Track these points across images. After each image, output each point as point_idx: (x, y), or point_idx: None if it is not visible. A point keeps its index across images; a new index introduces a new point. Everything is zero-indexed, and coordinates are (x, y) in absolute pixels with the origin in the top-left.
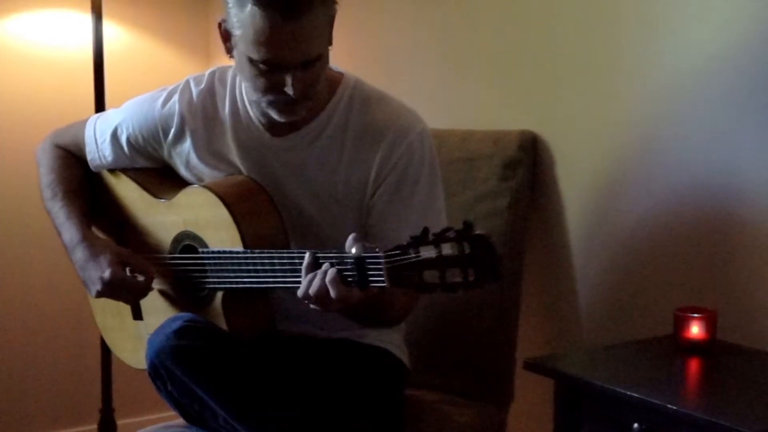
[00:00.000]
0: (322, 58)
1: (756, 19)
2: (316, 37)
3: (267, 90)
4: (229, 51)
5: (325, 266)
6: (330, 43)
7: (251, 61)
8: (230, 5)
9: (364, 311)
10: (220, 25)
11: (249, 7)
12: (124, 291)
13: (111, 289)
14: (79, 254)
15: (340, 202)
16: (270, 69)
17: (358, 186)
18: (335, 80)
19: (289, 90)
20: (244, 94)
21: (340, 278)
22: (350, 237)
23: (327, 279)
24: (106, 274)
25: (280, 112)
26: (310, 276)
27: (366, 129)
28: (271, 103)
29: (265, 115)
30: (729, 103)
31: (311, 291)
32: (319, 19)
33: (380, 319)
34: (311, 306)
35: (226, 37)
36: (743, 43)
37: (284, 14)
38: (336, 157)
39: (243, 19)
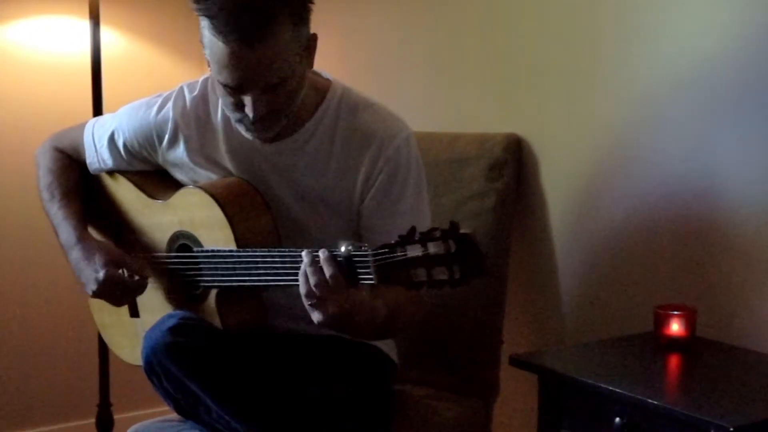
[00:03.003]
0: (288, 82)
1: (733, 26)
2: (276, 63)
3: (234, 109)
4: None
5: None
6: (311, 64)
7: (218, 81)
8: (201, 26)
9: (365, 325)
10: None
11: (209, 32)
12: (119, 290)
13: (106, 289)
14: (75, 255)
15: (329, 206)
16: (233, 91)
17: (346, 190)
18: (323, 88)
19: (249, 112)
20: (237, 127)
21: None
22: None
23: (325, 271)
24: (101, 274)
25: (246, 130)
26: (307, 271)
27: (353, 135)
28: (239, 121)
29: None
30: (707, 107)
31: (311, 283)
32: (284, 44)
33: (380, 333)
34: (312, 306)
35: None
36: (721, 49)
37: (242, 42)
38: (324, 162)
39: (208, 41)
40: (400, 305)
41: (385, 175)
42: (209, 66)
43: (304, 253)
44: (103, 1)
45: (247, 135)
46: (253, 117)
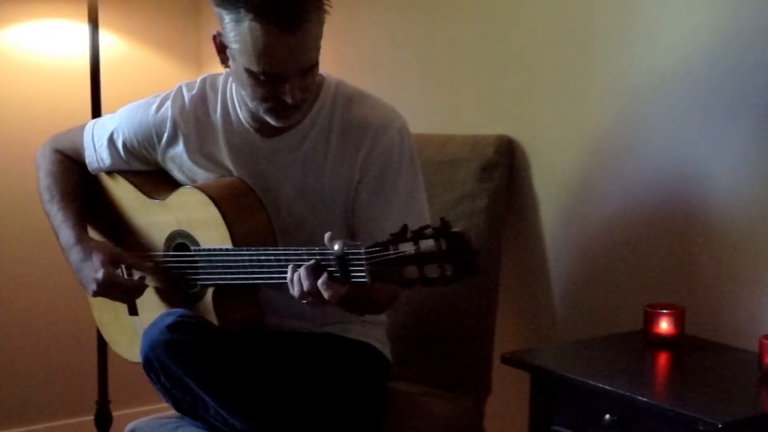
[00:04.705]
0: (316, 66)
1: (719, 29)
2: (312, 46)
3: (267, 98)
4: (224, 62)
5: (309, 264)
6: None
7: (250, 72)
8: (226, 20)
9: (354, 301)
10: (215, 38)
11: (247, 22)
12: (117, 290)
13: (105, 288)
14: (75, 255)
15: (327, 201)
16: (269, 79)
17: (343, 183)
18: (318, 83)
19: (288, 99)
20: (235, 99)
21: (329, 276)
22: (327, 235)
23: (319, 282)
24: (99, 274)
25: (278, 117)
26: (300, 276)
27: (349, 126)
28: (269, 110)
29: (257, 120)
30: (694, 109)
31: (305, 287)
32: (314, 28)
33: (370, 306)
34: (305, 302)
35: (221, 49)
36: (707, 51)
37: (283, 28)
38: (322, 156)
39: (241, 33)
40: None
41: (378, 165)
42: (227, 61)
43: (289, 269)
44: (102, 4)
45: (277, 123)
46: (293, 101)
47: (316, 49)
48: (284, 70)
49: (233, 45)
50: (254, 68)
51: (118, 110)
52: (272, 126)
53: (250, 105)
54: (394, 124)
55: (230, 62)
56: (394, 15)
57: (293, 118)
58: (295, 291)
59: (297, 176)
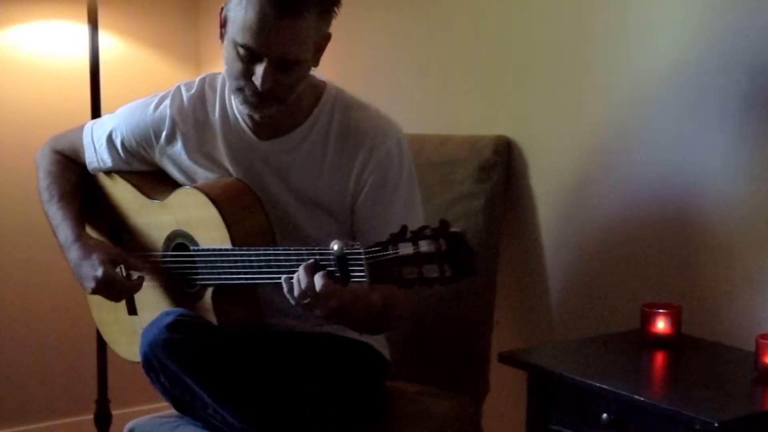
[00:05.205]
0: (301, 65)
1: (718, 29)
2: (299, 42)
3: (239, 76)
4: (222, 36)
5: (307, 263)
6: (316, 63)
7: (234, 44)
8: None
9: (353, 305)
10: (221, 10)
11: None
12: (116, 289)
13: (103, 287)
14: (74, 254)
15: (323, 205)
16: (248, 56)
17: (340, 189)
18: (319, 88)
19: (256, 80)
20: (233, 97)
21: (325, 272)
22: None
23: (317, 276)
24: (99, 272)
25: (244, 101)
26: (299, 275)
27: (347, 134)
28: (239, 90)
29: (254, 119)
30: (691, 110)
31: (303, 285)
32: (308, 27)
33: (367, 318)
34: (305, 306)
35: (223, 22)
36: (706, 52)
37: (277, 9)
38: (319, 161)
39: (239, 3)
40: (395, 297)
41: (376, 175)
42: (221, 38)
43: (283, 279)
44: (102, 6)
45: (242, 108)
46: (261, 86)
47: (305, 47)
48: (262, 50)
49: (230, 14)
50: (238, 40)
51: (116, 110)
52: (269, 127)
53: (227, 81)
54: (392, 134)
55: (225, 37)
56: (393, 16)
57: (260, 110)
58: (295, 293)
59: (293, 179)
